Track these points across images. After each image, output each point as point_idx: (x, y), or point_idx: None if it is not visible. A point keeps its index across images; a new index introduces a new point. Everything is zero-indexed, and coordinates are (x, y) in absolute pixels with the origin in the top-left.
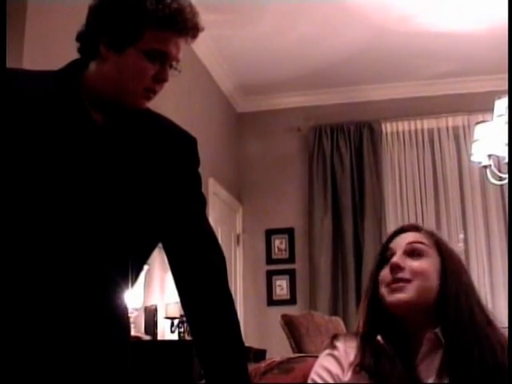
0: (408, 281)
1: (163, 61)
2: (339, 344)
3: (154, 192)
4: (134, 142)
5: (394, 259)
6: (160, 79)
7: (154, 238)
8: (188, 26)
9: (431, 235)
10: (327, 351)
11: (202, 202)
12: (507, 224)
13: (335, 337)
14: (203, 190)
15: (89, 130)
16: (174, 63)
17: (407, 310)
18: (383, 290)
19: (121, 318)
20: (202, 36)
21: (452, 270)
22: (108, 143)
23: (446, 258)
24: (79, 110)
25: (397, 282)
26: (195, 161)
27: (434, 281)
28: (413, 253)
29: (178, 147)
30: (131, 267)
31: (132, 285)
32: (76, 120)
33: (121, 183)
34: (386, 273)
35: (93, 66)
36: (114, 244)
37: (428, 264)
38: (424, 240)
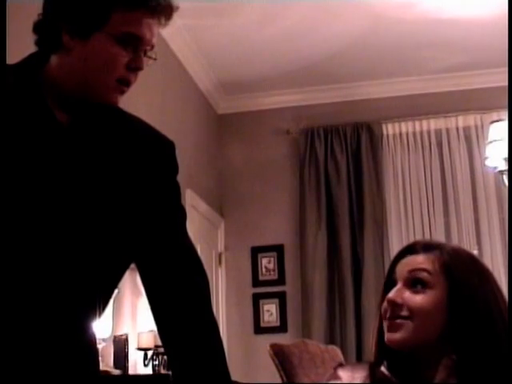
0: (406, 318)
1: (136, 46)
2: (343, 374)
3: (126, 203)
4: (103, 145)
5: (391, 294)
6: (134, 67)
7: (127, 256)
8: (160, 4)
9: (440, 257)
10: (330, 382)
11: (181, 215)
12: None
13: (339, 366)
14: None
15: (52, 132)
16: (148, 49)
17: (407, 349)
18: (384, 324)
19: (88, 349)
20: (176, 27)
21: (464, 299)
22: (73, 146)
23: (455, 287)
24: (41, 109)
25: (394, 319)
26: (173, 168)
27: (437, 316)
28: (414, 283)
29: (154, 152)
30: (100, 290)
31: (102, 311)
32: (37, 120)
33: (88, 193)
34: (386, 305)
35: (54, 59)
36: (81, 263)
37: (430, 298)
38: (429, 266)
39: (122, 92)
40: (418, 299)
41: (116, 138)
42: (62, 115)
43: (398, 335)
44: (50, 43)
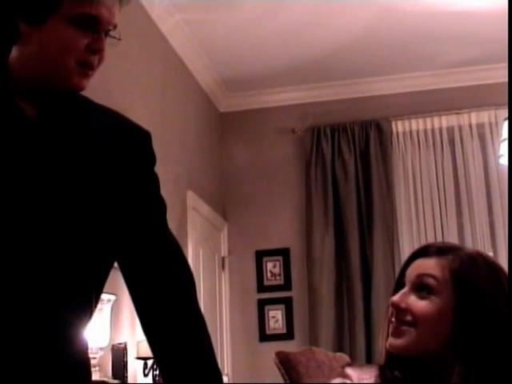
0: (410, 324)
1: (94, 27)
2: (352, 373)
3: (101, 197)
4: (74, 138)
5: (395, 298)
6: (93, 49)
7: (108, 253)
8: None
9: (451, 264)
10: (338, 380)
11: (161, 207)
12: None
13: (348, 365)
14: (180, 204)
15: (20, 127)
16: (110, 29)
17: (408, 355)
18: (390, 327)
19: (78, 359)
20: (176, 21)
21: (474, 310)
22: (43, 140)
23: (464, 296)
24: (7, 105)
25: (397, 324)
26: (151, 158)
27: (442, 324)
28: (421, 288)
29: (129, 143)
30: (85, 292)
31: (90, 314)
32: (4, 117)
33: (61, 188)
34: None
35: (15, 51)
36: (63, 264)
37: (434, 306)
38: (437, 272)
39: (86, 75)
40: (421, 305)
41: (87, 130)
42: (30, 109)
43: (399, 341)
44: (8, 35)
